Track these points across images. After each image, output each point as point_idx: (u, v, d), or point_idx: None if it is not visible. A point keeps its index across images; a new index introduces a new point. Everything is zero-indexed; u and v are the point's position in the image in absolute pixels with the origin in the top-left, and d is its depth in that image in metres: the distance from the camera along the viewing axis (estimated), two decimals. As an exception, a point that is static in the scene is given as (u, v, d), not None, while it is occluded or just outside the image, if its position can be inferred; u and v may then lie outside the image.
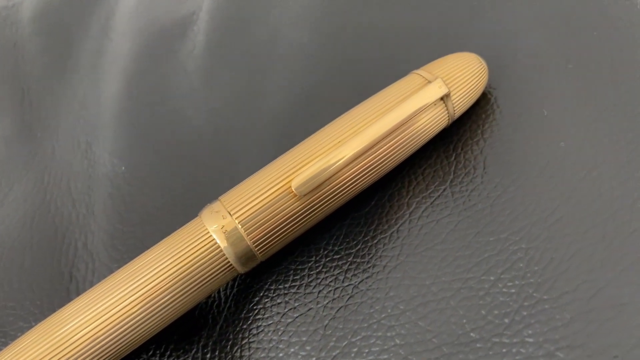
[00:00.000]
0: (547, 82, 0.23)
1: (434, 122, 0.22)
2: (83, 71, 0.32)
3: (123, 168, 0.26)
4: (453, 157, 0.23)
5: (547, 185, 0.20)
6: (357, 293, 0.20)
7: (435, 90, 0.21)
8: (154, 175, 0.26)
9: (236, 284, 0.22)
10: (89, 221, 0.26)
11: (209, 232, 0.20)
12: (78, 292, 0.24)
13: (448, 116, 0.22)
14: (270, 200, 0.20)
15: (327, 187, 0.20)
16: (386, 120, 0.21)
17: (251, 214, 0.20)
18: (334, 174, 0.20)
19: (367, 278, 0.21)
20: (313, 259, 0.22)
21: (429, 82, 0.22)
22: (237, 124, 0.27)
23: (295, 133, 0.26)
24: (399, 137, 0.21)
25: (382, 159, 0.21)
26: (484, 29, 0.26)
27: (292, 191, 0.20)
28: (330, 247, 0.22)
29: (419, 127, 0.21)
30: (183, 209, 0.25)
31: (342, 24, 0.29)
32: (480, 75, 0.23)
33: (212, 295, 0.22)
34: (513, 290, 0.19)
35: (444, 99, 0.22)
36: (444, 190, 0.22)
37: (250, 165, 0.25)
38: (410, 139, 0.21)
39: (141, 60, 0.31)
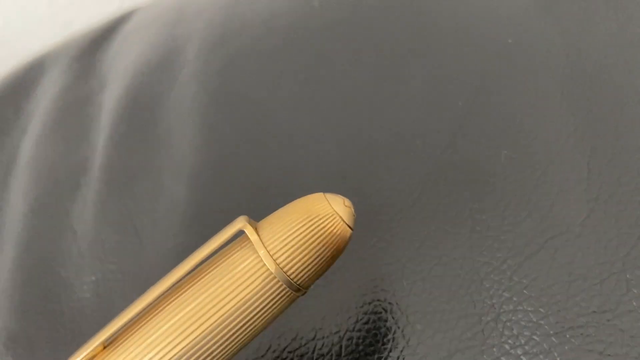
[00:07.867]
0: (406, 239, 0.23)
1: (262, 298, 0.17)
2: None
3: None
4: (317, 333, 0.22)
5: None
6: None
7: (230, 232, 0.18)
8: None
9: None
10: None
11: None
12: None
13: (285, 287, 0.17)
14: None
15: None
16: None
17: None
18: None
19: None
20: None
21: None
22: (120, 296, 0.27)
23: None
24: (218, 324, 0.17)
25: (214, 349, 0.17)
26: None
27: None
28: None
29: (245, 310, 0.17)
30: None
31: (221, 177, 0.28)
32: (330, 223, 0.18)
33: None
34: None
35: (278, 274, 0.17)
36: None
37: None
38: (239, 324, 0.17)
39: (33, 221, 0.31)
